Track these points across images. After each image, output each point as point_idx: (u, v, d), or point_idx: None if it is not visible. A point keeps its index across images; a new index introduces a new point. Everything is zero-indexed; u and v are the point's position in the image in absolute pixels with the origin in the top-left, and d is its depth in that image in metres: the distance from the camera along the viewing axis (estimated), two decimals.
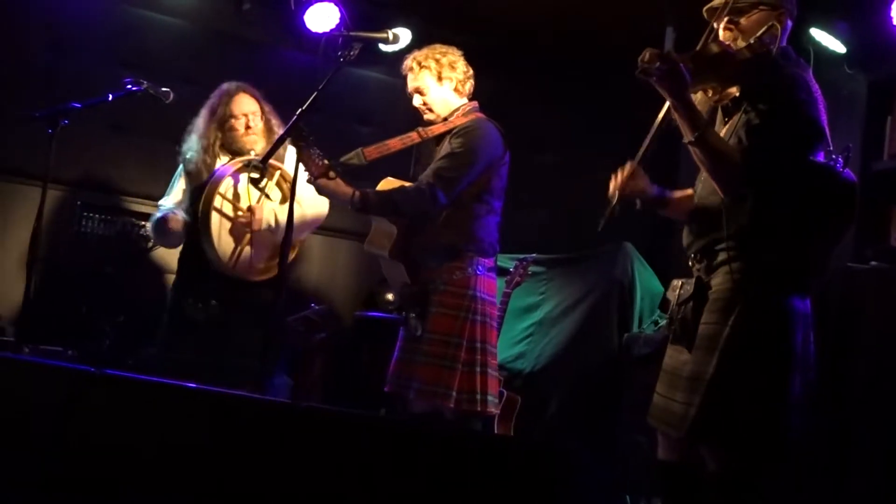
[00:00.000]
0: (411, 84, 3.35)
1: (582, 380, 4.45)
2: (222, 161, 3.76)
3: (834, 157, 2.49)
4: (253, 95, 3.80)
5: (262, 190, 3.59)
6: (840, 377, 3.99)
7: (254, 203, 3.70)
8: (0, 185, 4.57)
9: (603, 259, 4.65)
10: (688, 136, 2.38)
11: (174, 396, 2.31)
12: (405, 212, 3.23)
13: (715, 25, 2.55)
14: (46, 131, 3.61)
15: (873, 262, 4.11)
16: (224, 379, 3.11)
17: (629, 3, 4.54)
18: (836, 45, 4.31)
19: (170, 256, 4.13)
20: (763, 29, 2.47)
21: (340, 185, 3.15)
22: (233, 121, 3.74)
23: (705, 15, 2.62)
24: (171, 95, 3.86)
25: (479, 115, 3.33)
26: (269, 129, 3.77)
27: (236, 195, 3.70)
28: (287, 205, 3.60)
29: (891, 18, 3.91)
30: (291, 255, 3.72)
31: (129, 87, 3.78)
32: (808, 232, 2.43)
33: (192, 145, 3.79)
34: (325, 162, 3.09)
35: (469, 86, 3.35)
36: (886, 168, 4.29)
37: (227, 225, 3.67)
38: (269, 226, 3.69)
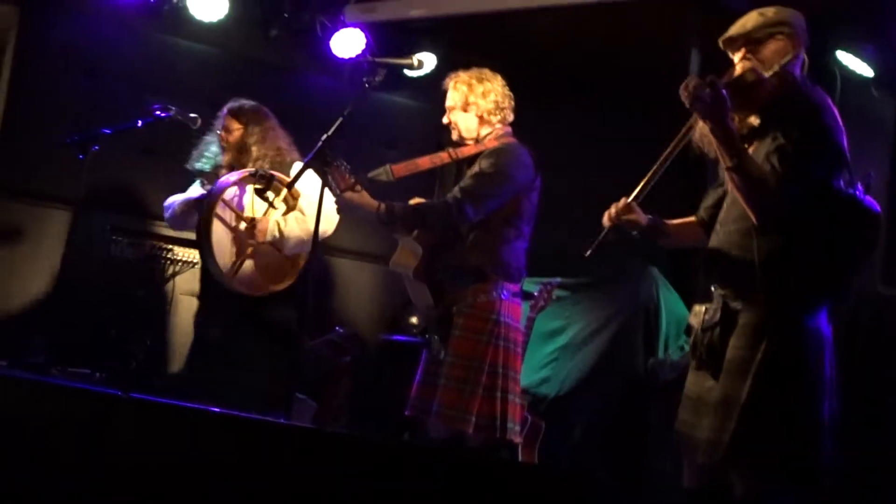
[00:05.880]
0: (446, 100, 3.38)
1: (607, 405, 4.42)
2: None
3: (855, 183, 2.51)
4: (232, 113, 3.86)
5: (267, 200, 3.56)
6: (871, 402, 3.94)
7: (258, 215, 3.69)
8: (31, 210, 4.65)
9: (628, 283, 4.63)
10: (727, 163, 2.41)
11: (199, 420, 2.32)
12: (432, 225, 3.21)
13: (732, 56, 2.58)
14: (77, 157, 3.67)
15: None
16: (241, 400, 3.12)
17: (655, 26, 4.55)
18: (863, 69, 4.29)
19: (197, 279, 4.16)
20: (786, 58, 2.50)
21: (366, 198, 3.15)
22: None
23: (721, 45, 2.65)
24: (199, 121, 3.92)
25: (512, 139, 3.33)
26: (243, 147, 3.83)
27: (240, 205, 3.70)
28: (291, 217, 3.66)
29: None
30: (296, 268, 3.73)
31: (158, 113, 3.86)
32: (834, 258, 2.44)
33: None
34: (352, 177, 3.11)
35: (501, 116, 3.31)
36: None
37: (230, 235, 3.67)
38: (274, 237, 3.68)
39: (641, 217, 2.73)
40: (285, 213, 3.73)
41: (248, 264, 3.68)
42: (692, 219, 2.80)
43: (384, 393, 4.85)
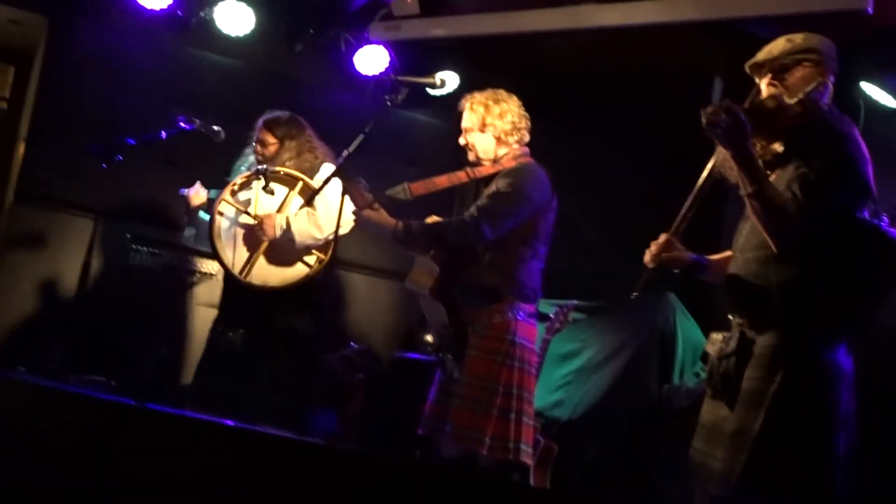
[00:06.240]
0: (462, 122, 3.39)
1: (620, 430, 4.39)
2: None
3: (880, 214, 2.47)
4: (268, 127, 3.87)
5: (270, 194, 3.60)
6: (887, 437, 3.89)
7: (271, 211, 3.71)
8: (54, 217, 4.70)
9: (645, 308, 4.60)
10: (746, 189, 2.38)
11: (212, 433, 2.33)
12: (448, 244, 3.21)
13: (758, 82, 2.56)
14: (101, 166, 3.72)
15: None
16: (257, 412, 3.13)
17: (677, 52, 4.56)
18: (887, 100, 4.27)
19: (215, 290, 4.19)
20: (812, 85, 2.47)
21: (384, 216, 3.17)
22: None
23: (748, 71, 2.63)
24: (223, 134, 3.95)
25: (529, 159, 3.34)
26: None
27: (246, 203, 3.72)
28: (302, 213, 3.67)
29: None
30: (321, 260, 3.75)
31: (182, 124, 3.90)
32: (854, 290, 2.41)
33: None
34: (370, 194, 3.12)
35: (518, 136, 3.32)
36: None
37: (240, 233, 3.69)
38: (281, 228, 3.68)
39: (683, 254, 2.67)
40: (300, 207, 3.74)
41: (262, 260, 3.69)
42: (729, 253, 2.71)
43: (397, 410, 4.84)
